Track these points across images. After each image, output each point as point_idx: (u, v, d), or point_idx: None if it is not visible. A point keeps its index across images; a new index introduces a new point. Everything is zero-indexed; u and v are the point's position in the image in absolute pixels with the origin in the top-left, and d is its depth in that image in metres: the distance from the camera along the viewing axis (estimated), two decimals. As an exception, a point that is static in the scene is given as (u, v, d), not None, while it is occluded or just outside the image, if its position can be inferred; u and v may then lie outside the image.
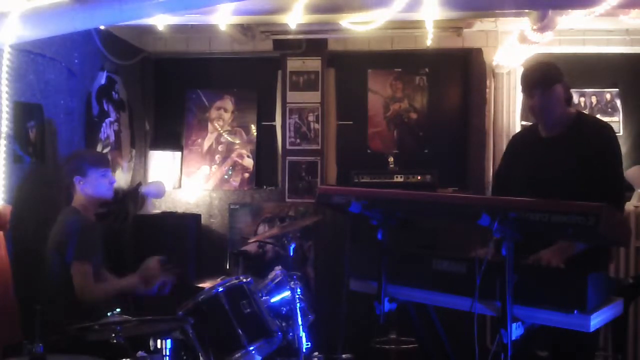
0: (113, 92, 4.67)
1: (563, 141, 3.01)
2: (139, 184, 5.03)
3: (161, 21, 3.87)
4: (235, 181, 5.33)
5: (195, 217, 5.06)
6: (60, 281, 3.13)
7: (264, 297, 3.18)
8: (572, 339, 2.54)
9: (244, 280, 3.00)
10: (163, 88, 5.46)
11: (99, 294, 3.17)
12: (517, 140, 3.36)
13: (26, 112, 3.47)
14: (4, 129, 3.23)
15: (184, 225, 4.83)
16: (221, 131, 5.38)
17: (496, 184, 3.45)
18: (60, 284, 3.13)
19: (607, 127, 3.05)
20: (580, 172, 2.90)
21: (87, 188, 3.30)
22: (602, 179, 2.86)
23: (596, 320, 2.22)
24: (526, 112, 4.99)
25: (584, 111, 5.06)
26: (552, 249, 2.72)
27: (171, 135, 5.46)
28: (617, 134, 3.09)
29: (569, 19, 3.94)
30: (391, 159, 5.01)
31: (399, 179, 4.80)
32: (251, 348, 2.84)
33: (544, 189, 2.82)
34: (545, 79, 2.98)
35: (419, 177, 4.78)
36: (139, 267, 3.41)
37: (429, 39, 4.59)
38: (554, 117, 3.02)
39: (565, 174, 2.93)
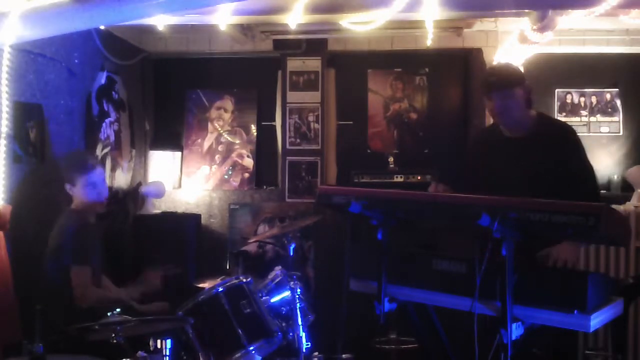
0: (113, 92, 4.67)
1: (529, 141, 3.06)
2: (139, 184, 5.03)
3: (161, 21, 3.87)
4: (235, 181, 5.33)
5: (195, 217, 5.07)
6: (59, 283, 3.12)
7: (264, 297, 3.18)
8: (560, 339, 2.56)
9: (244, 280, 3.00)
10: (163, 88, 5.46)
11: (97, 299, 3.15)
12: (481, 141, 3.40)
13: (26, 112, 3.47)
14: (4, 129, 3.22)
15: (183, 225, 4.83)
16: (221, 131, 5.38)
17: (464, 185, 3.30)
18: (59, 286, 3.12)
19: (568, 128, 3.16)
20: (549, 171, 2.96)
21: (77, 195, 3.32)
22: (576, 177, 2.96)
23: (596, 320, 2.22)
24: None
25: (584, 111, 5.12)
26: (564, 246, 2.76)
27: (171, 135, 5.46)
28: (580, 135, 3.19)
29: (569, 19, 3.94)
30: (391, 159, 5.01)
31: (399, 179, 4.80)
32: (251, 348, 2.84)
33: (513, 189, 2.81)
34: (503, 82, 3.03)
35: (419, 177, 4.78)
36: (139, 278, 3.40)
37: (429, 39, 4.58)
38: (512, 119, 3.07)
39: (534, 173, 2.98)
